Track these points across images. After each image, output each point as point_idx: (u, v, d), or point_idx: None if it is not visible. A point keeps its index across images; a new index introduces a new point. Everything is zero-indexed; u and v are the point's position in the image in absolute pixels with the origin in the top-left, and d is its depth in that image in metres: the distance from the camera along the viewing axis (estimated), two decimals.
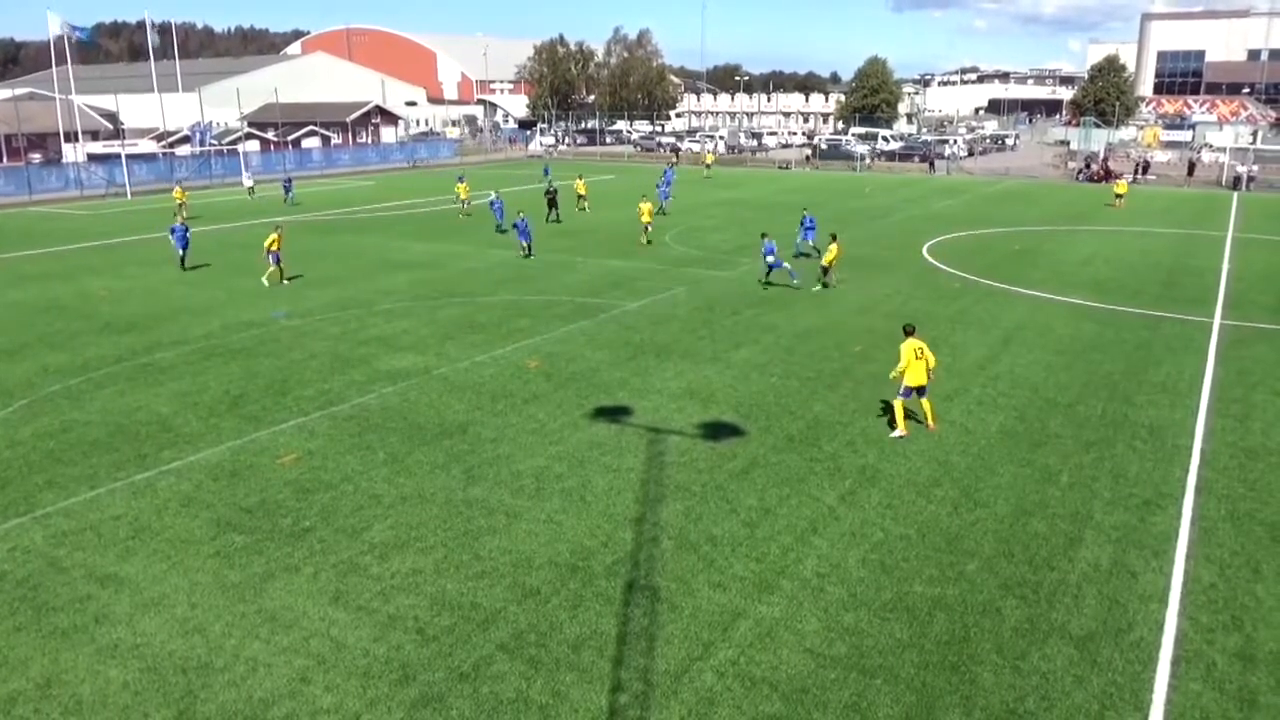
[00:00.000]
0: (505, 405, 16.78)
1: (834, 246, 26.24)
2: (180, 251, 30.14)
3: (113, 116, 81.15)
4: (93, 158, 64.92)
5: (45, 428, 15.82)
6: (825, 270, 26.50)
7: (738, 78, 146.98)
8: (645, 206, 35.83)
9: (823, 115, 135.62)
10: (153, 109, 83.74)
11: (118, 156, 59.77)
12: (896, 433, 15.00)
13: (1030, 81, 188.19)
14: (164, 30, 67.80)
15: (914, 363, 14.72)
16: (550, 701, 8.67)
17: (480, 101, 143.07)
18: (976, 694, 8.76)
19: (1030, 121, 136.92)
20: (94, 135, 76.31)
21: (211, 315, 23.83)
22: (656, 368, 19.05)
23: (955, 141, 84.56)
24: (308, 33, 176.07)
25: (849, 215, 44.44)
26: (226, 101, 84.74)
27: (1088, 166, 65.65)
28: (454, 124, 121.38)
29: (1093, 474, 13.72)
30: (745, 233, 37.09)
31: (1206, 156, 71.66)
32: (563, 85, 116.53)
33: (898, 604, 10.25)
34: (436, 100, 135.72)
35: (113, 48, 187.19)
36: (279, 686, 8.90)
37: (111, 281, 28.66)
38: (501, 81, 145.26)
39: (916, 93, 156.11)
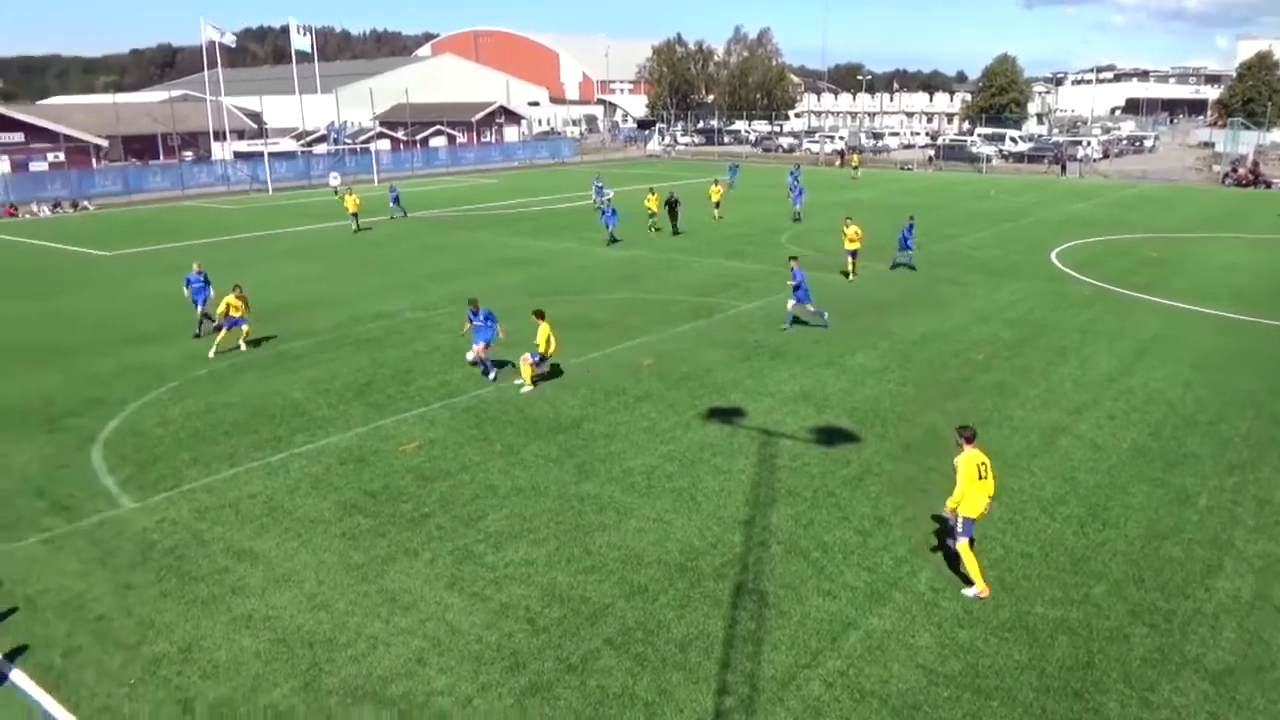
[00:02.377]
0: (618, 402, 16.97)
1: (543, 328, 17.36)
2: (199, 308, 22.28)
3: (257, 116, 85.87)
4: (238, 155, 68.85)
5: (192, 408, 16.91)
6: (542, 359, 17.65)
7: (860, 77, 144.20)
8: (852, 231, 27.63)
9: (947, 115, 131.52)
10: (293, 109, 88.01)
11: (260, 154, 63.24)
12: (973, 591, 10.38)
13: (1172, 80, 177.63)
14: (306, 33, 70.96)
15: (975, 484, 10.15)
16: (656, 699, 8.74)
17: (600, 101, 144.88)
18: None
19: (1171, 122, 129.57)
20: (240, 134, 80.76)
21: (341, 307, 24.94)
22: (770, 370, 18.91)
23: (1089, 143, 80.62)
24: (437, 34, 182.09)
25: (973, 218, 43.01)
26: (360, 102, 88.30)
27: (1235, 170, 61.62)
28: (574, 123, 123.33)
29: (1234, 498, 12.91)
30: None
31: None
32: (682, 85, 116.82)
33: (1017, 624, 9.90)
34: (558, 100, 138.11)
35: (258, 51, 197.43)
36: (397, 666, 9.26)
37: (248, 275, 30.24)
38: (621, 81, 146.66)
39: (1048, 91, 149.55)
